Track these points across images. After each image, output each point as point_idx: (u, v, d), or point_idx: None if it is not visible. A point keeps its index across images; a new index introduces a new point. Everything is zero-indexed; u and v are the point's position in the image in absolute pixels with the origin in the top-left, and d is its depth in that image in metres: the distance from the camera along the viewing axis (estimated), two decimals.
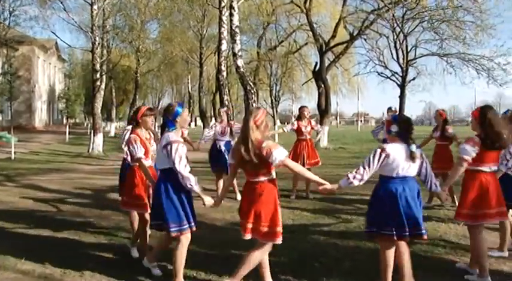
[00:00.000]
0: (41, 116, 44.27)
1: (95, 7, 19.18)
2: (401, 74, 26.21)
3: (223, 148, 8.44)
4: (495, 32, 22.07)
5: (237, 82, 26.49)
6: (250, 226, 3.79)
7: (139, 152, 4.67)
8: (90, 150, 19.14)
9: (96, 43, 19.73)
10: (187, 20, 30.71)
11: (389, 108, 9.24)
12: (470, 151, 4.23)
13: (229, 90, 25.86)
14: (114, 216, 7.09)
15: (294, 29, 28.05)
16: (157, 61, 36.70)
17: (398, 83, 26.20)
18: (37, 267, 4.62)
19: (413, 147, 3.84)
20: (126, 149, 5.35)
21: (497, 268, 4.70)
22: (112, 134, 33.85)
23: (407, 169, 3.84)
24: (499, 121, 4.37)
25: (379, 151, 3.84)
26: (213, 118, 42.08)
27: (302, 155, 8.72)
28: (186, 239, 4.11)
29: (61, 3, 20.16)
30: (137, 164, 4.83)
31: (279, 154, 3.69)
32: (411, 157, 3.82)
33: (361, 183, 3.88)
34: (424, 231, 3.83)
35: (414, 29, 25.19)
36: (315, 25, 23.35)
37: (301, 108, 9.07)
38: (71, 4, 41.41)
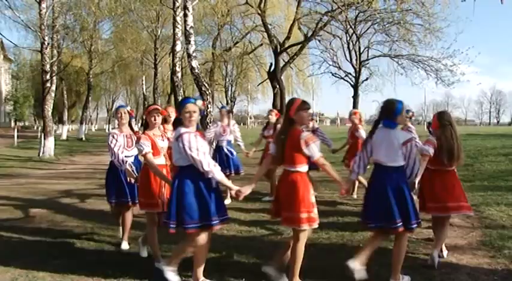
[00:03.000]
0: None
1: (43, 5, 18.57)
2: (354, 75, 26.79)
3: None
4: (442, 34, 22.96)
5: (192, 83, 26.28)
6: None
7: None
8: (40, 154, 18.54)
9: (46, 43, 19.11)
10: (141, 20, 30.25)
11: (223, 107, 9.37)
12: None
13: (184, 92, 25.58)
14: (68, 221, 6.89)
15: (249, 30, 28.12)
16: (111, 62, 36.01)
17: (352, 83, 26.77)
18: None
19: None
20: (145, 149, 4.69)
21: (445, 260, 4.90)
22: (64, 137, 32.88)
23: None
24: None
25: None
26: None
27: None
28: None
29: (6, 0, 19.44)
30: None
31: None
32: None
33: None
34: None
35: (366, 30, 25.82)
36: (269, 26, 23.50)
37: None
38: (18, 2, 39.87)
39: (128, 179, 5.20)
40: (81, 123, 35.83)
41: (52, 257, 5.09)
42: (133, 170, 5.15)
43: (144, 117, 5.18)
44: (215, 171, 3.98)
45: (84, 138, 33.52)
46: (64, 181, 11.78)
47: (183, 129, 4.05)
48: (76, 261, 4.96)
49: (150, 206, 4.72)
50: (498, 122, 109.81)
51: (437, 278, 4.46)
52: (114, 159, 5.30)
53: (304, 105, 4.14)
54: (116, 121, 5.62)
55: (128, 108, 5.73)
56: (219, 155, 8.32)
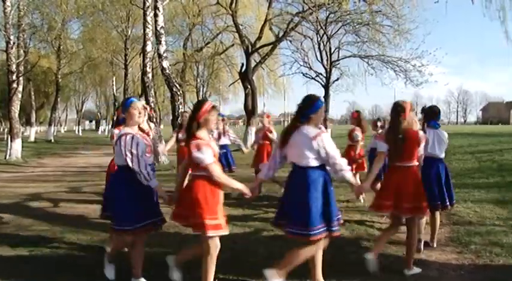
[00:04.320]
0: None
1: (8, 3, 18.09)
2: (325, 75, 26.97)
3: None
4: (411, 36, 23.41)
5: (163, 84, 26.09)
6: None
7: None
8: (7, 156, 18.06)
9: (11, 42, 18.62)
10: (110, 20, 29.85)
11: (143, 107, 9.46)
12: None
13: (155, 92, 25.43)
14: (36, 225, 6.72)
15: (220, 30, 28.08)
16: (80, 62, 35.43)
17: (323, 83, 26.94)
18: None
19: None
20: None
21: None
22: (32, 139, 32.16)
23: None
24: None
25: None
26: None
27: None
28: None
29: None
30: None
31: None
32: None
33: None
34: None
35: (337, 31, 26.02)
36: (241, 27, 23.50)
37: None
38: None
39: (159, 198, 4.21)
40: (50, 124, 35.14)
41: (19, 262, 4.97)
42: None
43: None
44: (349, 170, 4.06)
45: (53, 140, 32.88)
46: (32, 184, 11.51)
47: (315, 129, 4.01)
48: (45, 266, 4.84)
49: (220, 228, 3.90)
50: (465, 121, 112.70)
51: None
52: (141, 172, 3.96)
53: (412, 106, 4.72)
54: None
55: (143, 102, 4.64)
56: None
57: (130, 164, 3.96)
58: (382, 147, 4.62)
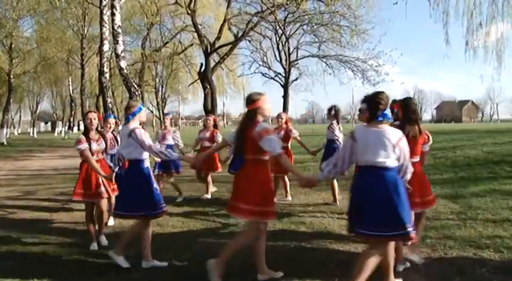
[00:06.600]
0: None
1: None
2: (284, 75, 27.27)
3: None
4: (368, 36, 23.96)
5: (121, 84, 25.66)
6: None
7: None
8: None
9: None
10: (65, 18, 29.10)
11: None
12: None
13: (113, 93, 25.01)
14: None
15: (179, 30, 27.88)
16: (34, 62, 34.32)
17: (282, 83, 27.24)
18: None
19: None
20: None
21: None
22: None
23: None
24: None
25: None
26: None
27: None
28: None
29: None
30: None
31: None
32: None
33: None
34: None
35: (295, 31, 26.40)
36: (200, 26, 23.40)
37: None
38: None
39: None
40: (2, 127, 33.87)
41: None
42: None
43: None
44: None
45: (5, 143, 31.73)
46: None
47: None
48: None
49: None
50: (421, 119, 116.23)
51: None
52: None
53: None
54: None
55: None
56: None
57: None
58: None
